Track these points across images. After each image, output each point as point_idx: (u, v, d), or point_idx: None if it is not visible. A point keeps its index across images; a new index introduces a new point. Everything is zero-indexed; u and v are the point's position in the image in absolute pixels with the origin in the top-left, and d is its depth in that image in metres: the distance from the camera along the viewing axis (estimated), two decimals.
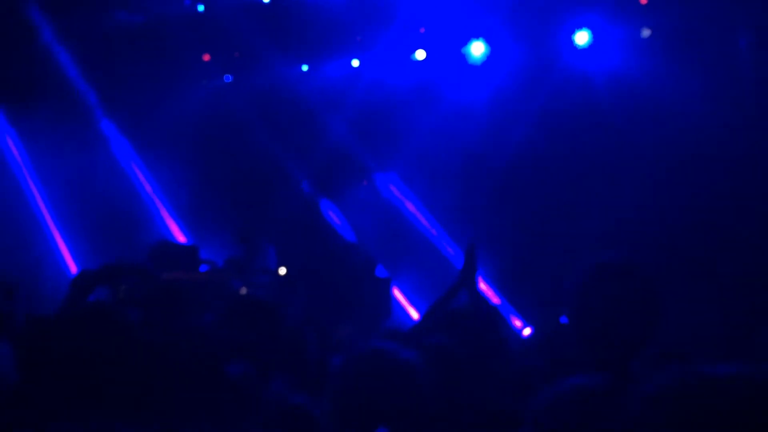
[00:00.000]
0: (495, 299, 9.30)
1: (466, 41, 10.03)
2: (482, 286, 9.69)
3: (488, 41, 10.00)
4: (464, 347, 3.45)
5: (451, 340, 3.52)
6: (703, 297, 8.16)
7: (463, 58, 10.10)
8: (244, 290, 8.24)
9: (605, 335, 2.60)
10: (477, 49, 10.05)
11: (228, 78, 10.99)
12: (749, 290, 8.10)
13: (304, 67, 10.71)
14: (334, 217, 10.77)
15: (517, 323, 9.36)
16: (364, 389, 2.71)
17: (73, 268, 9.91)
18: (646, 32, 9.60)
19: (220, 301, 4.87)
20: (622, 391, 2.20)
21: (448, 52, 10.13)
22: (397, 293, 9.77)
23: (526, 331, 8.72)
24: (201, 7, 10.25)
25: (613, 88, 9.58)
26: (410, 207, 10.70)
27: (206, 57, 10.70)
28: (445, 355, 3.43)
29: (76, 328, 2.79)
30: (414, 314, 10.00)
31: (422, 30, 10.19)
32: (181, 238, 10.37)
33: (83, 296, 4.10)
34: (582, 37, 9.75)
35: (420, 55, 10.32)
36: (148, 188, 10.76)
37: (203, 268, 8.55)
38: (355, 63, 10.57)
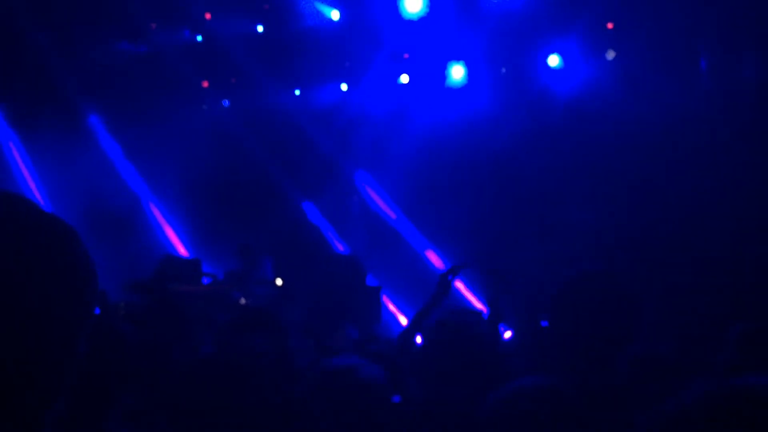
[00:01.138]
0: (478, 305, 9.74)
1: (446, 65, 10.50)
2: (466, 293, 10.21)
3: (467, 64, 10.47)
4: (449, 355, 3.49)
5: (435, 348, 3.62)
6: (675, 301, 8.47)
7: (444, 81, 10.56)
8: (243, 301, 8.69)
9: (583, 339, 2.67)
10: (457, 72, 10.53)
11: (226, 102, 11.41)
12: (720, 298, 8.38)
13: (297, 92, 11.17)
14: (326, 229, 11.19)
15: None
16: (331, 407, 2.72)
17: None
18: (611, 54, 10.03)
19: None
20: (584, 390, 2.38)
21: (431, 75, 10.59)
22: (387, 301, 10.17)
23: (507, 334, 9.15)
24: (200, 38, 10.69)
25: (586, 106, 9.98)
26: (397, 219, 11.12)
27: (205, 83, 11.11)
28: (429, 362, 3.62)
29: None
30: (403, 321, 10.44)
31: (406, 56, 10.66)
32: (183, 252, 10.78)
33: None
34: (554, 60, 10.21)
35: (404, 79, 10.79)
36: (151, 204, 11.13)
37: (205, 280, 8.98)
38: (344, 87, 11.04)
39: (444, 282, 5.03)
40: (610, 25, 10.11)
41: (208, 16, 10.50)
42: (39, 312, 1.15)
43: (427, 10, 10.01)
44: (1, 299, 1.12)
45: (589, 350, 2.66)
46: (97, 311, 4.49)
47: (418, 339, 5.81)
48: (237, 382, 2.91)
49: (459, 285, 10.04)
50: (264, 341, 3.76)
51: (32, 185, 10.72)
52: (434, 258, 10.83)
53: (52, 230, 1.24)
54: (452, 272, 5.10)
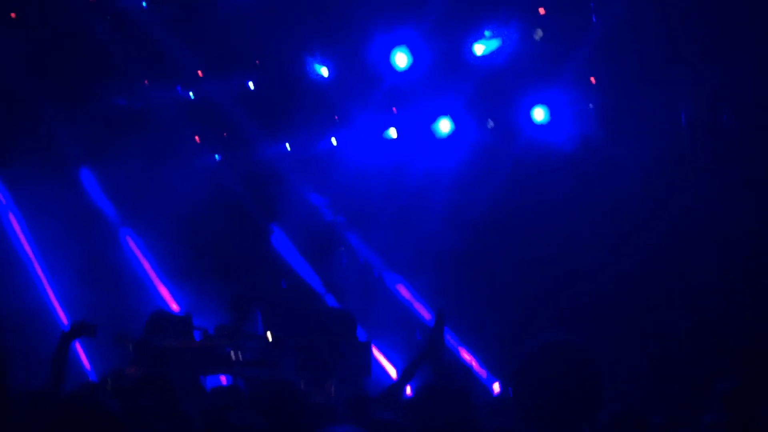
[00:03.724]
0: (468, 358, 9.56)
1: (434, 119, 10.44)
2: (456, 346, 10.01)
3: (454, 118, 10.41)
4: (435, 421, 3.55)
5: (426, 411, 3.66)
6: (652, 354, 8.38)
7: (431, 134, 10.49)
8: (233, 355, 8.46)
9: (546, 412, 2.66)
10: (444, 125, 10.46)
11: (217, 156, 11.31)
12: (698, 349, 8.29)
13: (287, 146, 11.08)
14: (316, 282, 11.03)
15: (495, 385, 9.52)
16: None
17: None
18: (539, 34, 9.75)
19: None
20: None
21: (418, 129, 10.53)
22: (377, 354, 9.99)
23: (496, 387, 8.96)
24: (192, 94, 10.62)
25: (571, 157, 9.95)
26: (386, 271, 10.98)
27: (197, 138, 11.02)
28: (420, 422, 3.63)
29: (61, 419, 2.93)
30: (392, 373, 10.23)
31: (394, 110, 10.60)
32: (174, 307, 10.57)
33: (66, 351, 4.32)
34: (539, 113, 10.17)
35: (392, 132, 10.72)
36: (141, 257, 10.97)
37: (196, 334, 8.76)
38: (334, 141, 10.96)
39: (433, 337, 4.94)
40: (592, 79, 10.10)
41: (200, 73, 10.44)
42: None
43: (415, 64, 9.99)
44: None
45: (552, 422, 2.67)
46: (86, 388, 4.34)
47: (408, 390, 5.66)
48: None
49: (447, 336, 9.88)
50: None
51: (23, 240, 10.54)
52: (422, 309, 10.66)
53: None
54: (438, 326, 5.00)
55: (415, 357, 4.97)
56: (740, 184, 8.80)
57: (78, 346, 9.72)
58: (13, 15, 9.78)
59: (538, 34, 9.80)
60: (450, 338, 9.94)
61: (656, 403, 6.87)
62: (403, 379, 4.96)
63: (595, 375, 2.72)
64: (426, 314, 10.52)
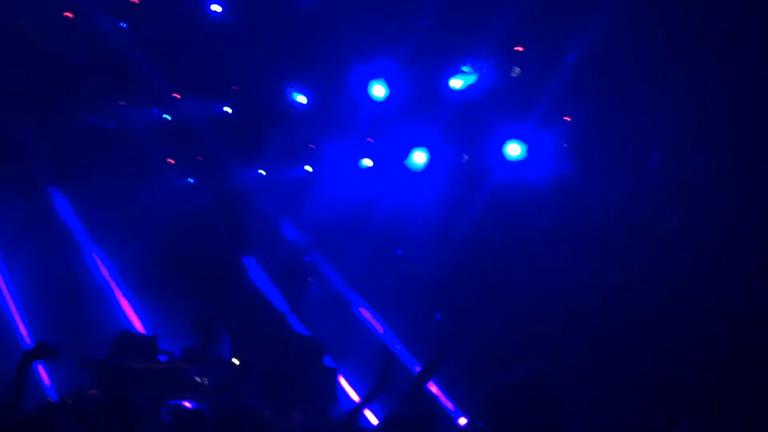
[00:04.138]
0: (434, 390, 9.49)
1: (409, 150, 10.46)
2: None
3: (430, 150, 10.44)
4: None
5: None
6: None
7: (406, 165, 10.51)
8: (199, 379, 8.34)
9: None
10: (419, 157, 10.48)
11: (191, 180, 11.25)
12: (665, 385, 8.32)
13: (262, 172, 11.05)
14: (285, 309, 10.94)
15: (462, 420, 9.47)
16: None
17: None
18: (516, 71, 9.84)
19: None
20: None
21: (393, 159, 10.54)
22: (344, 382, 9.90)
23: (462, 421, 8.90)
24: (168, 116, 10.58)
25: (544, 193, 9.99)
26: (356, 300, 10.92)
27: (171, 160, 10.96)
28: None
29: None
30: (357, 401, 10.13)
31: (370, 140, 10.62)
32: (140, 329, 10.43)
33: (26, 371, 4.25)
34: (514, 149, 10.21)
35: (367, 162, 10.73)
36: (108, 277, 10.84)
37: (162, 357, 8.63)
38: (309, 168, 10.95)
39: (384, 365, 4.92)
40: (567, 119, 10.19)
41: (177, 95, 10.41)
42: None
43: (392, 96, 10.03)
44: None
45: None
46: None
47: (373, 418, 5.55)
48: None
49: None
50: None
51: None
52: (391, 338, 10.60)
53: None
54: (388, 357, 5.00)
55: (375, 383, 4.93)
56: (707, 218, 8.87)
57: (40, 366, 9.55)
58: None
59: (515, 71, 9.88)
60: (416, 369, 9.88)
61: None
62: (361, 405, 4.94)
63: (561, 408, 2.83)
64: (393, 342, 10.46)
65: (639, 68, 9.12)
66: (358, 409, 4.67)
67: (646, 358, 8.65)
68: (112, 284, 10.81)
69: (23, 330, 10.24)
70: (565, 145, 10.04)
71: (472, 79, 9.91)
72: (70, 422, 3.40)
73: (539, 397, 2.83)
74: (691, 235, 8.80)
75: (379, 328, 10.68)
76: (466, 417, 8.85)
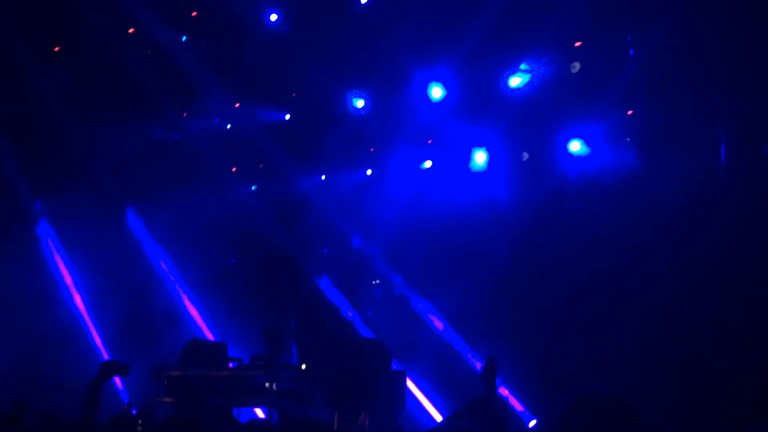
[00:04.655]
0: (503, 391, 9.39)
1: (469, 151, 10.38)
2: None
3: (489, 150, 10.34)
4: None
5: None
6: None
7: (467, 166, 10.43)
8: (268, 385, 8.40)
9: None
10: (480, 157, 10.39)
11: (253, 187, 11.34)
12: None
13: (323, 177, 11.08)
14: (351, 313, 10.95)
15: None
16: None
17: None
18: (576, 67, 9.63)
19: None
20: None
21: (454, 161, 10.47)
22: (411, 385, 9.87)
23: (532, 423, 8.79)
24: (229, 125, 10.70)
25: (606, 190, 9.80)
26: (420, 304, 10.87)
27: (234, 169, 11.07)
28: None
29: None
30: (426, 404, 10.10)
31: (429, 142, 10.56)
32: (209, 336, 10.55)
33: (98, 389, 4.34)
34: (575, 146, 10.06)
35: (428, 164, 10.67)
36: (178, 287, 10.99)
37: (231, 364, 8.73)
38: (369, 172, 10.94)
39: (488, 384, 4.79)
40: (629, 112, 9.98)
41: (237, 105, 10.51)
42: None
43: (450, 97, 9.96)
44: None
45: None
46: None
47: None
48: None
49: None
50: None
51: (65, 272, 10.63)
52: (455, 341, 10.52)
53: None
54: (490, 375, 4.87)
55: (466, 406, 4.84)
56: None
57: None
58: (56, 48, 9.95)
59: (575, 67, 9.71)
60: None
61: None
62: (450, 424, 4.84)
63: (639, 429, 2.67)
64: (459, 344, 10.38)
65: (703, 59, 8.88)
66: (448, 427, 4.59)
67: (722, 364, 8.37)
68: (181, 293, 10.96)
69: (98, 341, 10.46)
70: (628, 139, 9.84)
71: (530, 76, 9.78)
72: None
73: (615, 415, 2.68)
74: (764, 232, 8.52)
75: (444, 330, 10.62)
76: (536, 419, 8.74)
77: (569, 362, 8.98)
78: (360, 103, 10.44)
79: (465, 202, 10.33)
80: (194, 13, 9.75)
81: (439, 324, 10.66)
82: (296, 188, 10.95)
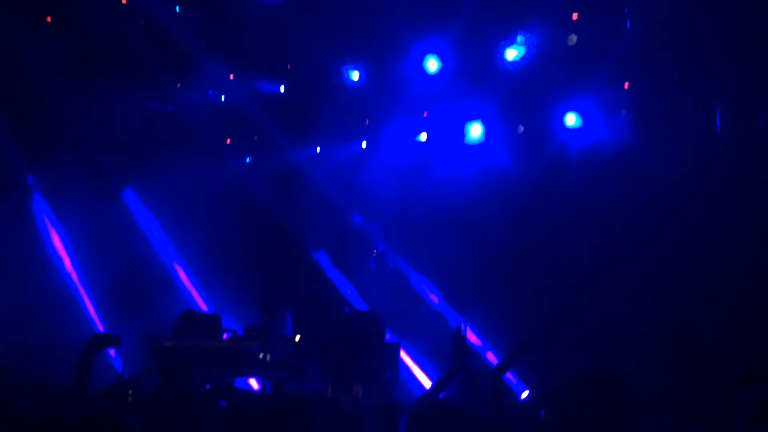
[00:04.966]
0: (495, 361, 9.41)
1: (465, 123, 10.33)
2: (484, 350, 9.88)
3: (485, 123, 10.29)
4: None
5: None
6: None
7: (462, 138, 10.39)
8: (262, 356, 8.42)
9: None
10: (475, 130, 10.34)
11: (248, 159, 11.29)
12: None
13: (317, 149, 11.03)
14: (345, 284, 10.96)
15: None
16: None
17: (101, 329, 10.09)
18: (573, 39, 9.55)
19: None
20: None
21: (449, 133, 10.43)
22: (405, 356, 9.90)
23: (525, 394, 8.83)
24: (223, 97, 10.62)
25: (602, 163, 9.77)
26: (415, 276, 10.88)
27: (228, 140, 11.01)
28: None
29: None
30: (419, 375, 10.13)
31: (425, 114, 10.51)
32: (203, 307, 10.55)
33: (89, 362, 4.34)
34: (571, 119, 10.01)
35: (423, 136, 10.63)
36: (171, 257, 10.98)
37: (225, 335, 8.74)
38: (364, 144, 10.90)
39: (459, 346, 4.80)
40: (626, 85, 9.93)
41: (231, 76, 10.43)
42: None
43: (446, 69, 9.91)
44: None
45: None
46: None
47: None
48: None
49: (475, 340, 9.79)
50: None
51: (58, 243, 10.60)
52: (450, 313, 10.54)
53: None
54: (460, 337, 4.87)
55: (447, 371, 4.85)
56: None
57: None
58: (48, 19, 9.85)
59: (572, 39, 9.64)
60: (479, 341, 9.82)
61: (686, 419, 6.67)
62: (436, 390, 4.85)
63: (629, 404, 2.69)
64: (453, 316, 10.40)
65: (699, 31, 8.82)
66: (433, 394, 4.60)
67: (713, 336, 8.35)
68: (176, 264, 10.95)
69: (91, 310, 10.46)
70: (623, 112, 9.80)
71: (526, 49, 9.71)
72: (134, 420, 3.40)
73: (606, 389, 2.70)
74: (761, 202, 8.49)
75: (438, 301, 10.64)
76: (529, 390, 8.77)
77: (565, 334, 9.01)
78: (355, 75, 10.38)
79: (460, 175, 10.30)
80: None
81: (434, 297, 10.67)
82: (291, 160, 10.91)
